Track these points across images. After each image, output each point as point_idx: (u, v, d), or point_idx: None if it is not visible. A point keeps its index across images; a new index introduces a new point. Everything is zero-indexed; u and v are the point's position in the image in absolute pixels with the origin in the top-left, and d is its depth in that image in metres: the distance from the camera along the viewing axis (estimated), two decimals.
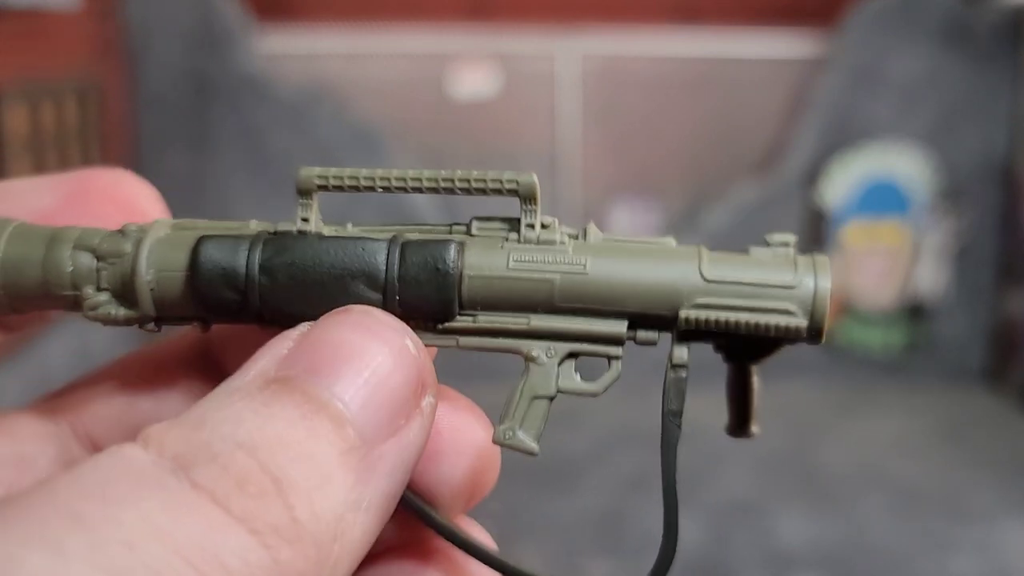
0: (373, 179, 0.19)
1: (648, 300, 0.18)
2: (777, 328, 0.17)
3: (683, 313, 0.18)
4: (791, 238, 0.18)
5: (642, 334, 0.19)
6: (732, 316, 0.17)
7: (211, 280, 0.18)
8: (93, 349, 1.31)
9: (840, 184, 1.51)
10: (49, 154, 1.20)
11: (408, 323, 0.18)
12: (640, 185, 1.59)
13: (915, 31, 1.48)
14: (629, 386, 1.57)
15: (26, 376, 1.13)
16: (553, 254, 0.19)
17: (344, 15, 1.57)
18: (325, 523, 0.15)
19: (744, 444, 1.34)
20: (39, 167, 1.18)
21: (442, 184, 0.20)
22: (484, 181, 0.19)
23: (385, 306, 0.18)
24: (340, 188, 0.19)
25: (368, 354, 0.17)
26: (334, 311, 0.17)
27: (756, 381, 0.18)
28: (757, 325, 0.17)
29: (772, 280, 0.17)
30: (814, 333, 0.17)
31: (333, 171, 0.19)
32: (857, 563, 1.06)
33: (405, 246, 0.18)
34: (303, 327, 0.17)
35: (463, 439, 0.20)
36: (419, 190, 0.20)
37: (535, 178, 0.19)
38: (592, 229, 0.19)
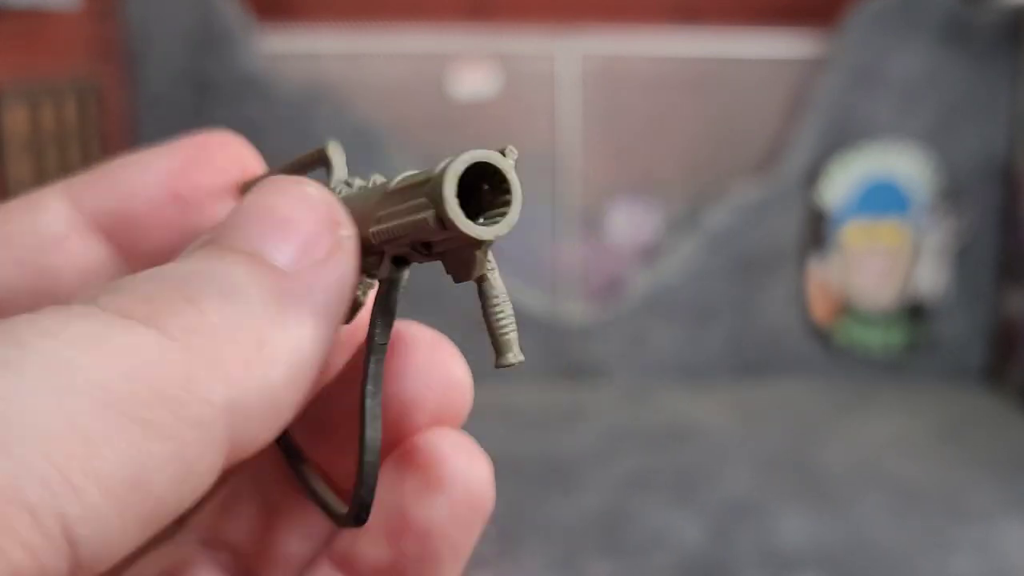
0: None
1: (362, 227, 0.18)
2: (411, 225, 0.17)
3: (371, 229, 0.18)
4: (509, 146, 0.17)
5: (371, 261, 0.19)
6: (389, 225, 0.17)
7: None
8: None
9: (840, 184, 1.52)
10: (49, 154, 1.20)
11: None
12: (640, 185, 1.59)
13: (915, 31, 1.48)
14: (629, 386, 1.57)
15: None
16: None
17: (344, 15, 1.57)
18: (244, 329, 0.16)
19: (744, 444, 1.34)
20: (39, 167, 1.18)
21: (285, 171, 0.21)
22: (298, 161, 0.21)
23: None
24: None
25: (276, 207, 0.17)
26: (265, 181, 0.18)
27: (494, 303, 0.17)
28: (398, 228, 0.17)
29: (420, 179, 0.17)
30: (440, 222, 0.16)
31: None
32: (857, 563, 1.06)
33: None
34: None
35: (431, 360, 0.20)
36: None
37: (331, 144, 0.21)
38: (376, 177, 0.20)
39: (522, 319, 1.68)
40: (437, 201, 0.16)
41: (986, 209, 1.53)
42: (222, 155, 0.23)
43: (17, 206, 0.21)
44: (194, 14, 1.46)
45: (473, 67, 1.54)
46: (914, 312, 1.56)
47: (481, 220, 0.17)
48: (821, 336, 1.56)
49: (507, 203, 0.17)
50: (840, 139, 1.51)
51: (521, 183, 0.17)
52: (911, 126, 1.51)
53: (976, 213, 1.53)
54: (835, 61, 1.49)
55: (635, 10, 1.60)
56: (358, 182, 0.21)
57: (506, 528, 1.09)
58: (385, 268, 0.19)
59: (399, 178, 0.18)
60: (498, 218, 0.17)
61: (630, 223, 1.60)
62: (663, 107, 1.56)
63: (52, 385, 0.13)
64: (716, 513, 1.13)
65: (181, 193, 0.22)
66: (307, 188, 0.18)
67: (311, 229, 0.17)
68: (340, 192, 0.20)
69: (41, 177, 1.18)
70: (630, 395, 1.50)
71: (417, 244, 0.18)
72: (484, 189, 0.17)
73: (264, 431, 0.16)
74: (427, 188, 0.17)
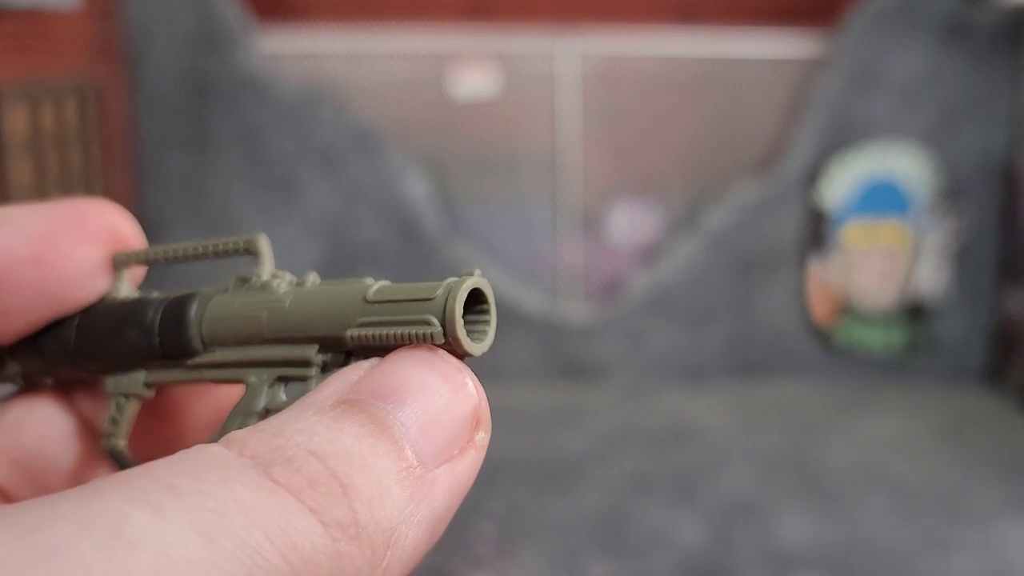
0: (167, 252, 0.23)
1: (326, 325, 0.21)
2: (416, 336, 0.19)
3: (348, 332, 0.20)
4: (476, 269, 0.20)
5: (330, 357, 0.21)
6: (382, 330, 0.20)
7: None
8: None
9: (840, 184, 1.52)
10: (49, 154, 1.20)
11: (165, 361, 0.22)
12: (640, 185, 1.59)
13: (915, 31, 1.48)
14: (629, 386, 1.57)
15: None
16: (266, 295, 0.22)
17: (344, 15, 1.57)
18: (381, 529, 0.17)
19: (744, 444, 1.34)
20: (39, 167, 1.18)
21: (190, 253, 0.23)
22: (220, 245, 0.23)
23: (149, 347, 0.22)
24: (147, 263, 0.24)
25: (430, 387, 0.19)
26: (403, 348, 0.20)
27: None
28: (401, 336, 0.19)
29: (416, 296, 0.20)
30: (449, 338, 0.19)
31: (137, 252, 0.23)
32: (857, 563, 1.06)
33: (171, 301, 0.23)
34: (374, 361, 0.20)
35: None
36: (193, 258, 0.24)
37: (261, 237, 0.23)
38: (311, 277, 0.22)
39: (522, 319, 1.68)
40: (448, 321, 0.19)
41: (986, 209, 1.53)
42: (96, 223, 0.23)
43: None
44: (194, 14, 1.46)
45: (473, 67, 1.54)
46: (914, 312, 1.56)
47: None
48: (821, 336, 1.56)
49: (484, 315, 0.20)
50: (840, 139, 1.51)
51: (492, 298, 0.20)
52: (911, 126, 1.51)
53: (976, 213, 1.53)
54: (835, 61, 1.49)
55: (635, 10, 1.60)
56: (288, 277, 0.23)
57: (506, 528, 1.09)
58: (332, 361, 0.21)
59: (375, 288, 0.21)
60: (478, 330, 0.20)
61: (630, 223, 1.60)
62: (663, 107, 1.56)
63: (236, 563, 0.15)
64: (716, 513, 1.13)
65: (45, 256, 0.22)
66: (467, 381, 0.19)
67: (458, 428, 0.19)
68: (278, 287, 0.22)
69: (41, 177, 1.18)
70: (630, 395, 1.50)
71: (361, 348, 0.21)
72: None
73: None
74: (433, 308, 0.19)
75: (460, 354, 0.19)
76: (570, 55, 1.54)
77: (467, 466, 0.19)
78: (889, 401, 1.48)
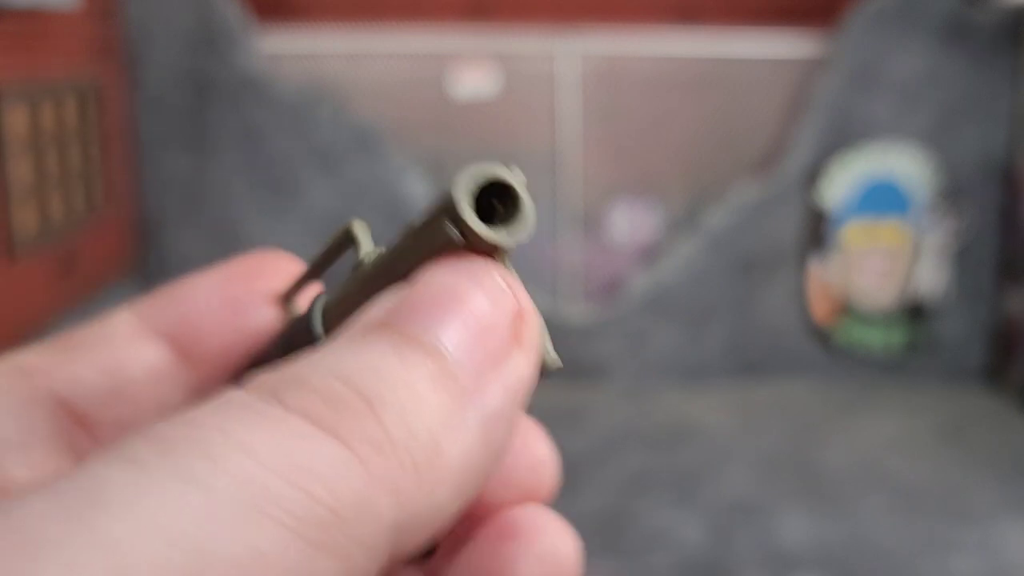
0: None
1: (391, 272, 0.20)
2: (433, 236, 0.19)
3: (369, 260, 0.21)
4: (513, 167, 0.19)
5: None
6: (397, 250, 0.19)
7: None
8: None
9: (840, 184, 1.52)
10: (49, 154, 1.20)
11: None
12: (640, 185, 1.59)
13: (915, 31, 1.48)
14: (629, 386, 1.58)
15: None
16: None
17: (344, 15, 1.57)
18: (420, 441, 0.15)
19: (744, 444, 1.34)
20: (39, 167, 1.18)
21: (317, 265, 0.23)
22: (329, 245, 0.22)
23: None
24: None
25: (457, 293, 0.17)
26: (453, 257, 0.18)
27: None
28: (420, 248, 0.19)
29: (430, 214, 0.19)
30: (460, 232, 0.18)
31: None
32: (857, 563, 1.06)
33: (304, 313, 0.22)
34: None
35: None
36: (321, 268, 0.23)
37: (356, 223, 0.22)
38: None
39: None
40: (452, 210, 0.17)
41: (986, 209, 1.53)
42: (272, 267, 0.24)
43: (91, 324, 0.23)
44: (194, 14, 1.46)
45: (473, 67, 1.54)
46: (914, 312, 1.56)
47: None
48: (821, 336, 1.56)
49: (517, 214, 0.17)
50: (840, 139, 1.51)
51: (528, 193, 0.17)
52: (911, 126, 1.51)
53: (976, 213, 1.53)
54: (835, 61, 1.49)
55: (635, 10, 1.60)
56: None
57: None
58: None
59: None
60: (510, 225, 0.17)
61: (630, 223, 1.60)
62: (663, 107, 1.56)
63: (240, 507, 0.13)
64: (716, 513, 1.13)
65: (236, 295, 0.23)
66: (495, 275, 0.18)
67: (496, 325, 0.17)
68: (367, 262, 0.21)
69: (41, 177, 1.18)
70: (630, 395, 1.50)
71: None
72: (496, 208, 0.18)
73: (421, 542, 0.16)
74: (441, 203, 0.17)
75: (488, 250, 0.18)
76: (570, 55, 1.54)
77: (516, 366, 0.17)
78: (889, 401, 1.48)
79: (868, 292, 1.55)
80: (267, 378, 0.16)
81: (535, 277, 1.58)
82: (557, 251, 1.60)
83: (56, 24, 1.24)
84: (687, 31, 1.57)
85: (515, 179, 0.17)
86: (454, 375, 0.16)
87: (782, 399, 1.49)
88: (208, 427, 0.14)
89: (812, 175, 1.51)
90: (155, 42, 1.47)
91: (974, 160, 1.52)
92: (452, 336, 0.17)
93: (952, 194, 1.53)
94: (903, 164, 1.52)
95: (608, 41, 1.55)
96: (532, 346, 0.18)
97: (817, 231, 1.53)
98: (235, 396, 0.15)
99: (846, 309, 1.56)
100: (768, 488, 1.19)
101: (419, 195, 1.52)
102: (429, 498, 0.15)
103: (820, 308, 1.56)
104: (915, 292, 1.56)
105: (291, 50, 1.53)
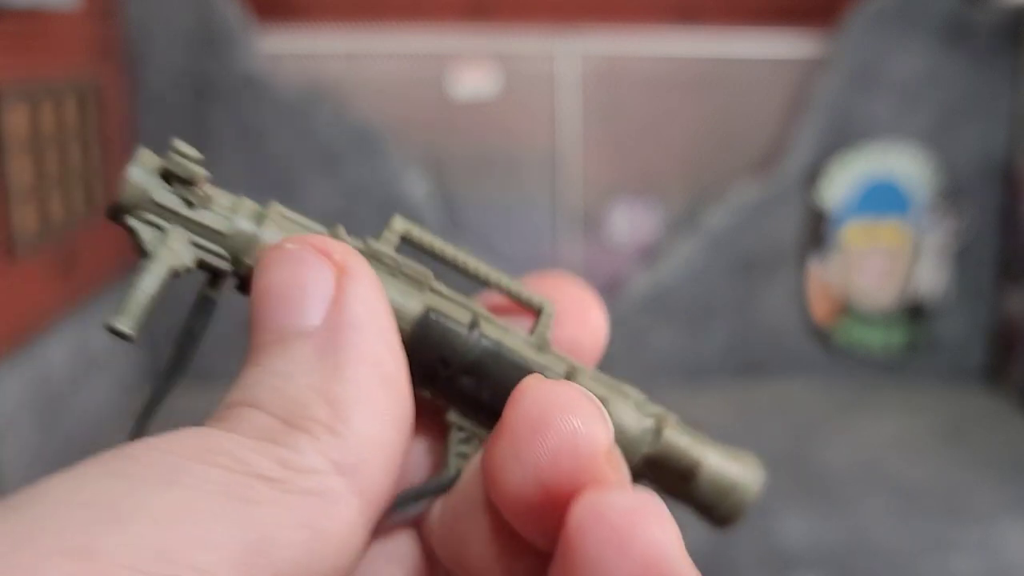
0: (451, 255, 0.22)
1: None
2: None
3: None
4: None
5: None
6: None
7: (428, 350, 0.21)
8: (93, 348, 1.31)
9: (840, 184, 1.52)
10: (49, 154, 1.20)
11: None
12: (640, 185, 1.59)
13: (915, 31, 1.48)
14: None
15: (26, 376, 1.13)
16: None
17: (344, 15, 1.57)
18: (306, 401, 0.17)
19: (744, 444, 1.34)
20: (39, 167, 1.18)
21: (483, 279, 0.22)
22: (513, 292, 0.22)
23: None
24: (422, 249, 0.22)
25: (271, 283, 0.18)
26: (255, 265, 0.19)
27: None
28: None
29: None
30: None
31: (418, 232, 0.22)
32: (857, 563, 1.06)
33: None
34: None
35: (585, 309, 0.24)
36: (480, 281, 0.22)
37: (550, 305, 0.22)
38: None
39: None
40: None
41: (986, 209, 1.53)
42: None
43: None
44: (194, 14, 1.46)
45: (473, 67, 1.54)
46: (914, 312, 1.56)
47: None
48: (821, 336, 1.56)
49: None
50: (840, 139, 1.51)
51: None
52: (911, 126, 1.51)
53: (976, 213, 1.53)
54: (835, 61, 1.49)
55: (635, 10, 1.60)
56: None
57: None
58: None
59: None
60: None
61: (630, 223, 1.60)
62: (663, 107, 1.56)
63: (164, 484, 0.15)
64: None
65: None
66: (285, 246, 0.18)
67: (309, 277, 0.18)
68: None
69: (41, 177, 1.18)
70: None
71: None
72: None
73: (384, 472, 0.17)
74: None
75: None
76: (570, 55, 1.54)
77: (353, 292, 0.18)
78: (889, 401, 1.48)
79: (868, 292, 1.55)
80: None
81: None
82: (557, 251, 1.60)
83: (56, 24, 1.24)
84: (687, 31, 1.57)
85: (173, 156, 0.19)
86: (306, 338, 0.17)
87: (782, 399, 1.49)
88: (130, 446, 0.16)
89: (812, 175, 1.51)
90: (155, 42, 1.47)
91: (974, 160, 1.52)
92: (286, 316, 0.18)
93: (952, 194, 1.53)
94: (903, 164, 1.52)
95: (608, 41, 1.55)
96: (351, 262, 0.18)
97: (817, 231, 1.53)
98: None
99: (846, 309, 1.56)
100: (768, 488, 1.19)
101: (419, 195, 1.52)
102: (349, 434, 0.16)
103: (820, 308, 1.56)
104: (915, 292, 1.56)
105: (291, 50, 1.53)
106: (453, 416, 0.21)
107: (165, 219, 0.19)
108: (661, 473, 0.22)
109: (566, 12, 1.59)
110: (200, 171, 0.20)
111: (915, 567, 1.06)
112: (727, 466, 0.24)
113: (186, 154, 0.19)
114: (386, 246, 0.21)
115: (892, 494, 1.18)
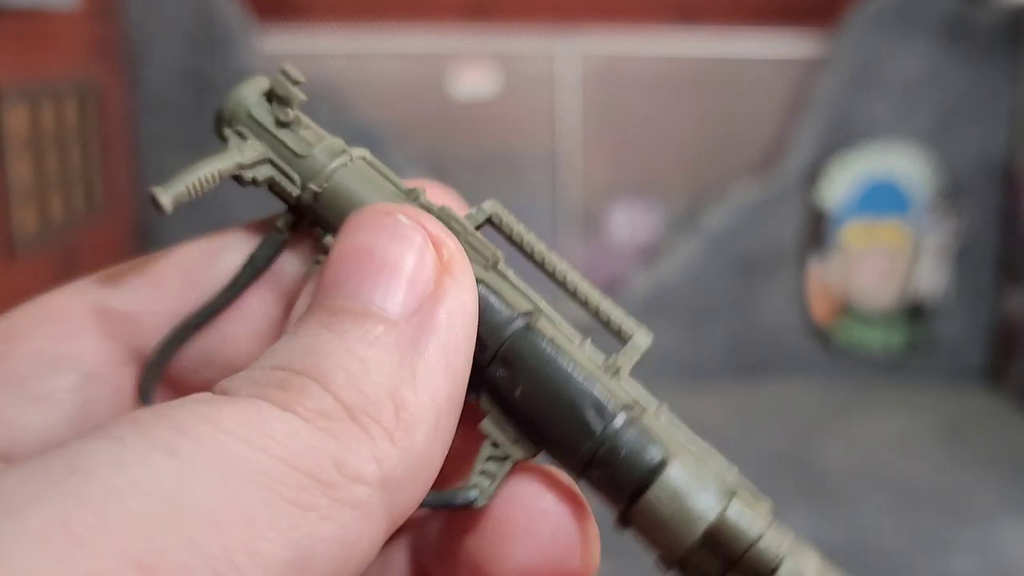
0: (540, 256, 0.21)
1: None
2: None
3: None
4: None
5: None
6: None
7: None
8: None
9: (840, 184, 1.52)
10: (49, 154, 1.20)
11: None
12: (640, 185, 1.59)
13: (915, 31, 1.48)
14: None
15: None
16: None
17: (344, 15, 1.57)
18: (377, 401, 0.16)
19: (744, 444, 1.34)
20: (39, 167, 1.18)
21: (570, 288, 0.21)
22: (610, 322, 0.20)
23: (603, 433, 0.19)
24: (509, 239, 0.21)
25: (372, 248, 0.17)
26: (353, 216, 0.18)
27: None
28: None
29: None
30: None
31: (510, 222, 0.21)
32: (858, 563, 1.06)
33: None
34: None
35: (535, 511, 0.20)
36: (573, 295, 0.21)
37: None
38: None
39: None
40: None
41: (986, 209, 1.53)
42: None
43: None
44: (194, 14, 1.46)
45: (473, 67, 1.54)
46: (914, 312, 1.56)
47: None
48: (821, 336, 1.56)
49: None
50: (840, 139, 1.51)
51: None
52: (911, 126, 1.51)
53: (976, 213, 1.53)
54: (835, 61, 1.49)
55: (635, 10, 1.60)
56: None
57: None
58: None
59: None
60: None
61: (630, 223, 1.60)
62: (663, 107, 1.56)
63: (217, 471, 0.14)
64: None
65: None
66: (398, 217, 0.18)
67: (413, 262, 0.17)
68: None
69: (41, 177, 1.18)
70: None
71: None
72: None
73: (419, 492, 0.16)
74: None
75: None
76: (570, 55, 1.54)
77: (451, 291, 0.17)
78: (889, 401, 1.48)
79: (868, 292, 1.55)
80: (221, 383, 0.16)
81: (535, 277, 1.58)
82: (557, 251, 1.59)
83: (56, 24, 1.24)
84: (687, 31, 1.57)
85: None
86: (392, 327, 0.16)
87: (782, 399, 1.49)
88: (178, 410, 0.15)
89: (812, 175, 1.51)
90: (155, 42, 1.47)
91: (974, 160, 1.52)
92: (375, 291, 0.17)
93: (952, 194, 1.53)
94: (903, 164, 1.52)
95: (608, 41, 1.55)
96: (459, 266, 0.18)
97: (817, 231, 1.53)
98: (197, 395, 0.15)
99: (846, 309, 1.56)
100: (768, 488, 1.19)
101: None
102: (407, 446, 0.16)
103: (820, 308, 1.55)
104: (915, 292, 1.56)
105: (291, 50, 1.53)
106: (488, 426, 0.19)
107: (255, 134, 0.20)
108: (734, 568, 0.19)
109: (566, 12, 1.59)
110: (297, 93, 0.20)
111: (915, 567, 1.06)
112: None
113: (290, 75, 0.20)
114: (467, 220, 0.20)
115: (892, 494, 1.18)
